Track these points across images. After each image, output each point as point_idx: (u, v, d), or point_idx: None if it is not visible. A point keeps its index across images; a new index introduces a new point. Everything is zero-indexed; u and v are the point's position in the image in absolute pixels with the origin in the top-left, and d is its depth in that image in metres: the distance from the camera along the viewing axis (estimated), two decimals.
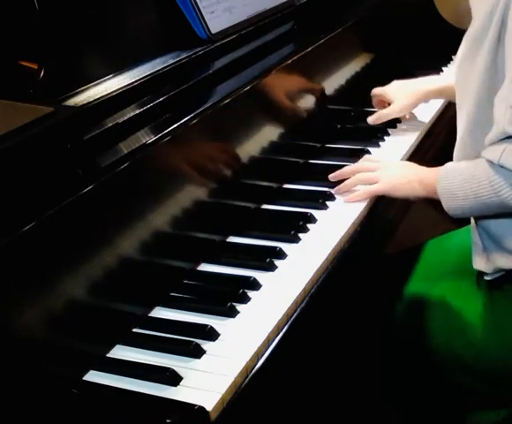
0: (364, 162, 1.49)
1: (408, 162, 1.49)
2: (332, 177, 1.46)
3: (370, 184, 1.41)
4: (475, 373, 1.32)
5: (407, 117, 1.75)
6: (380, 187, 1.40)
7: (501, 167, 1.18)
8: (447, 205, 1.28)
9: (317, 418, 1.38)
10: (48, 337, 0.94)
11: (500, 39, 1.20)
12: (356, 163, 1.48)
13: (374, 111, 1.79)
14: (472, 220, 1.33)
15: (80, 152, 1.04)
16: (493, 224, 1.27)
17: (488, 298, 1.31)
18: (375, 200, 1.40)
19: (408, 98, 1.70)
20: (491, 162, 1.20)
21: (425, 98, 1.73)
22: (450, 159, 1.32)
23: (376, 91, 1.77)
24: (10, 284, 0.89)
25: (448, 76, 1.80)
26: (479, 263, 1.32)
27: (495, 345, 1.29)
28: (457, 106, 1.32)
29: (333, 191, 1.43)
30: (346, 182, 1.43)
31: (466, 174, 1.25)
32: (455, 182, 1.26)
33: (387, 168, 1.43)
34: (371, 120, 1.69)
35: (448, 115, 1.78)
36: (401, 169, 1.43)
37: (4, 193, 0.92)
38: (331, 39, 1.68)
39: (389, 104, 1.72)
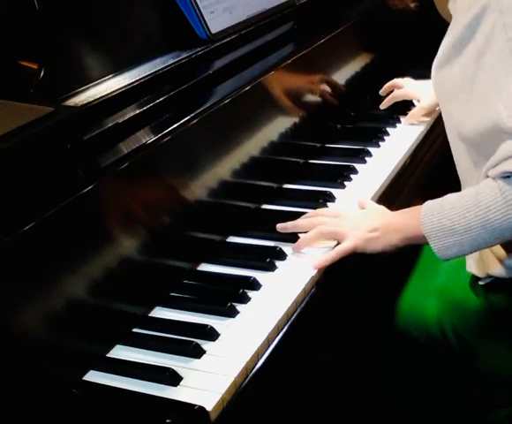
0: (320, 214, 1.29)
1: (370, 210, 1.30)
2: (280, 228, 1.27)
3: (334, 238, 1.23)
4: (475, 372, 1.32)
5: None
6: (351, 244, 1.20)
7: None
8: (438, 244, 1.14)
9: (317, 418, 1.38)
10: (48, 337, 0.94)
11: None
12: (311, 216, 1.29)
13: (376, 113, 1.80)
14: None
15: (80, 152, 1.04)
16: None
17: (486, 297, 1.31)
18: (376, 200, 1.40)
19: None
20: (507, 178, 1.07)
21: None
22: (450, 157, 1.31)
23: (398, 88, 1.79)
24: (10, 284, 0.89)
25: None
26: (472, 267, 1.31)
27: (495, 345, 1.29)
28: (443, 111, 1.29)
29: (292, 247, 1.24)
30: (306, 236, 1.24)
31: (462, 204, 1.12)
32: (449, 216, 1.12)
33: (350, 220, 1.25)
34: (406, 122, 1.72)
35: None
36: (367, 219, 1.24)
37: (5, 192, 0.92)
38: (331, 39, 1.68)
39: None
